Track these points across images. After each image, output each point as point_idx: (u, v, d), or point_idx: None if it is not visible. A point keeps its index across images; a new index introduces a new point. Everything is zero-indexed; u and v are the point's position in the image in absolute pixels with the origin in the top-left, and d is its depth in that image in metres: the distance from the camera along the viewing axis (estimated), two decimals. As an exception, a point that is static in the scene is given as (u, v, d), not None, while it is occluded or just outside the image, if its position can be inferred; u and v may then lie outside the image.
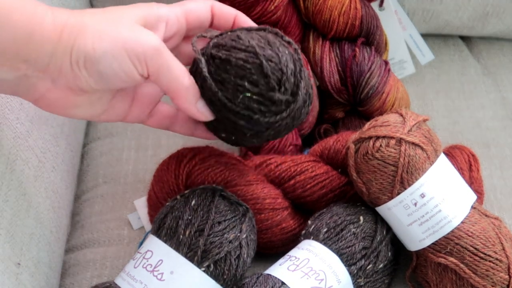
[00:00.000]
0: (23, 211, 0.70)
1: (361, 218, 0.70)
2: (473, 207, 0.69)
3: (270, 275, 0.66)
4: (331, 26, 0.82)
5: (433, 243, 0.68)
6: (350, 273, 0.67)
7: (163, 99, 0.68)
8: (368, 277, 0.69)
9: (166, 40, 0.62)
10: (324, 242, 0.69)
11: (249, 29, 0.64)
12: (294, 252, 0.69)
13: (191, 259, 0.64)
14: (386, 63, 0.84)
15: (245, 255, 0.66)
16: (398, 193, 0.67)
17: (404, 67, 0.96)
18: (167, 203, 0.69)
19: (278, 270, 0.67)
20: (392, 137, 0.67)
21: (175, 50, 0.65)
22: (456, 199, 0.68)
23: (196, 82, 0.61)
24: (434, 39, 1.02)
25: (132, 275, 0.65)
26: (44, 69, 0.56)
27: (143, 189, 0.84)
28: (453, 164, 0.73)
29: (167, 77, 0.59)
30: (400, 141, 0.67)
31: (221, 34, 0.64)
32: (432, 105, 0.95)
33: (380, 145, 0.67)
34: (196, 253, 0.64)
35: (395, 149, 0.67)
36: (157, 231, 0.67)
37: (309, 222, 0.72)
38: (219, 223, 0.65)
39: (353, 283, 0.68)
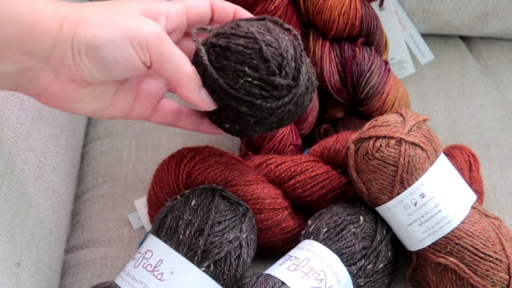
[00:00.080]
0: (23, 211, 0.70)
1: (361, 218, 0.70)
2: (473, 207, 0.69)
3: (270, 275, 0.66)
4: (331, 26, 0.82)
5: (433, 243, 0.68)
6: (350, 273, 0.67)
7: (166, 95, 0.68)
8: (368, 277, 0.69)
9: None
10: (324, 242, 0.69)
11: (248, 19, 0.64)
12: (294, 252, 0.69)
13: (191, 259, 0.64)
14: (386, 63, 0.84)
15: (245, 255, 0.66)
16: (398, 193, 0.67)
17: (404, 67, 0.96)
18: (167, 203, 0.69)
19: (278, 270, 0.67)
20: (392, 137, 0.67)
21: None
22: (456, 199, 0.68)
23: (198, 72, 0.62)
24: (434, 39, 1.02)
25: (132, 275, 0.65)
26: (46, 60, 0.56)
27: (143, 189, 0.84)
28: (453, 164, 0.73)
29: (170, 64, 0.59)
30: (400, 141, 0.67)
31: (221, 27, 0.64)
32: (432, 105, 0.95)
33: (380, 145, 0.67)
34: (196, 253, 0.64)
35: (395, 149, 0.67)
36: (157, 231, 0.67)
37: (309, 222, 0.72)
38: (219, 223, 0.65)
39: (353, 283, 0.68)
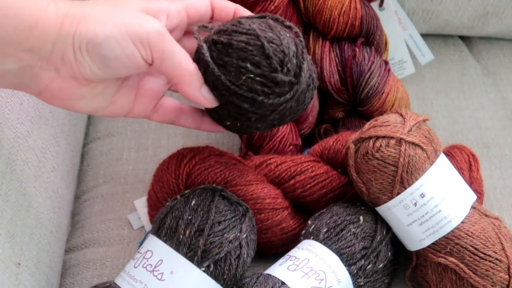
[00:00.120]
0: (23, 211, 0.70)
1: (361, 218, 0.70)
2: (473, 207, 0.69)
3: (270, 275, 0.66)
4: (331, 26, 0.82)
5: (433, 243, 0.68)
6: (350, 273, 0.67)
7: (167, 94, 0.68)
8: (368, 277, 0.69)
9: None
10: (324, 242, 0.69)
11: (249, 17, 0.65)
12: (294, 252, 0.69)
13: (191, 259, 0.64)
14: (386, 63, 0.84)
15: (245, 255, 0.66)
16: (398, 193, 0.67)
17: (404, 67, 0.96)
18: (167, 203, 0.69)
19: (278, 270, 0.67)
20: (392, 137, 0.67)
21: None
22: (456, 199, 0.68)
23: (200, 69, 0.62)
24: (434, 39, 1.02)
25: (132, 275, 0.65)
26: (47, 58, 0.56)
27: (143, 189, 0.84)
28: (453, 164, 0.73)
29: (171, 62, 0.59)
30: (400, 141, 0.67)
31: (222, 24, 0.64)
32: (432, 105, 0.95)
33: (380, 145, 0.67)
34: (196, 253, 0.64)
35: (395, 149, 0.67)
36: (157, 231, 0.67)
37: (309, 222, 0.72)
38: (219, 223, 0.65)
39: (353, 283, 0.68)
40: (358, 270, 0.68)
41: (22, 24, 0.53)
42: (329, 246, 0.68)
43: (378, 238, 0.70)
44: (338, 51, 0.83)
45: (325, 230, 0.69)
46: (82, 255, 0.80)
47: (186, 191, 0.69)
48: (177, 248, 0.64)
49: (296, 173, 0.74)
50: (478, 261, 0.66)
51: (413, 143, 0.67)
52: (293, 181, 0.74)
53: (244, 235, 0.66)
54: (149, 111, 0.66)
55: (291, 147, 0.81)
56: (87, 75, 0.58)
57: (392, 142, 0.67)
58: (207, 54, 0.61)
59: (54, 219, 0.77)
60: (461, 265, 0.67)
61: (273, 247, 0.74)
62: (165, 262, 0.64)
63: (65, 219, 0.81)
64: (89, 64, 0.57)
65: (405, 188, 0.67)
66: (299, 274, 0.66)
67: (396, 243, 0.72)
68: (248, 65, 0.60)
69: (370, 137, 0.68)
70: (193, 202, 0.66)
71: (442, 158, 0.69)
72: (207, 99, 0.62)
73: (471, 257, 0.67)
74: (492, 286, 0.66)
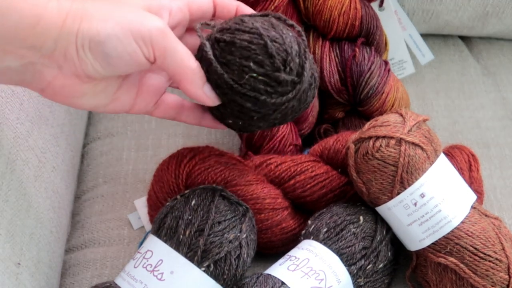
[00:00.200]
0: (23, 211, 0.70)
1: (361, 218, 0.70)
2: (473, 207, 0.69)
3: (270, 275, 0.66)
4: (331, 26, 0.82)
5: (433, 243, 0.68)
6: (350, 273, 0.67)
7: (168, 90, 0.68)
8: (368, 277, 0.69)
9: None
10: (324, 242, 0.69)
11: (252, 15, 0.65)
12: (294, 252, 0.69)
13: (191, 259, 0.64)
14: (386, 63, 0.84)
15: (245, 255, 0.66)
16: (398, 193, 0.67)
17: (404, 67, 0.96)
18: (167, 203, 0.69)
19: (278, 270, 0.67)
20: (392, 137, 0.67)
21: None
22: (456, 199, 0.68)
23: (202, 67, 0.61)
24: (434, 39, 1.02)
25: (132, 275, 0.65)
26: (50, 55, 0.56)
27: (143, 189, 0.84)
28: (453, 164, 0.73)
29: (173, 59, 0.59)
30: (400, 141, 0.67)
31: (225, 22, 0.64)
32: (432, 105, 0.95)
33: (380, 145, 0.67)
34: (196, 253, 0.64)
35: (395, 149, 0.67)
36: (157, 231, 0.67)
37: (309, 222, 0.72)
38: (219, 223, 0.65)
39: (353, 283, 0.68)
40: (358, 270, 0.68)
41: (23, 22, 0.53)
42: (329, 246, 0.68)
43: (378, 238, 0.70)
44: (338, 51, 0.83)
45: (325, 230, 0.69)
46: (82, 255, 0.80)
47: (186, 191, 0.69)
48: (177, 248, 0.64)
49: (296, 173, 0.74)
50: (478, 261, 0.66)
51: (413, 143, 0.67)
52: (293, 181, 0.74)
53: (244, 235, 0.66)
54: (151, 108, 0.66)
55: (291, 147, 0.81)
56: (90, 72, 0.58)
57: (392, 142, 0.67)
58: (210, 52, 0.61)
59: (54, 219, 0.77)
60: (461, 265, 0.67)
61: (273, 247, 0.74)
62: (165, 262, 0.64)
63: (65, 219, 0.81)
64: (92, 62, 0.57)
65: (405, 188, 0.67)
66: (299, 274, 0.66)
67: (396, 243, 0.72)
68: (251, 64, 0.60)
69: (370, 137, 0.68)
70: (193, 202, 0.66)
71: (442, 158, 0.69)
72: (209, 97, 0.62)
73: (471, 257, 0.67)
74: (492, 286, 0.66)
